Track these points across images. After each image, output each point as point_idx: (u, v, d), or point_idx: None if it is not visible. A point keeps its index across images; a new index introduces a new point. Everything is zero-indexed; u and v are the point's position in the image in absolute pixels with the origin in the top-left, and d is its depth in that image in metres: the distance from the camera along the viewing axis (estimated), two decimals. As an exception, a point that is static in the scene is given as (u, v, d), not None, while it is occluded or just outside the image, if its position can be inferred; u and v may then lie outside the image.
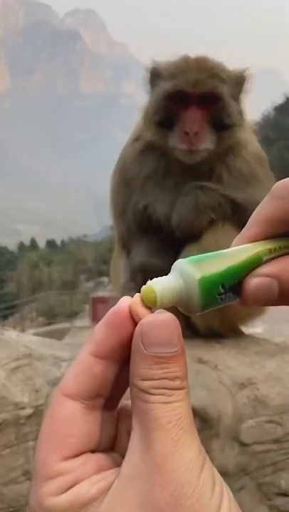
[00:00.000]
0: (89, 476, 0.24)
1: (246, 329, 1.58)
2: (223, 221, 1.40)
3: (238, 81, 1.40)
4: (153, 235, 1.49)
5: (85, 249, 34.98)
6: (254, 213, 0.28)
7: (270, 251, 0.27)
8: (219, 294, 0.26)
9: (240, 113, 1.41)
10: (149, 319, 0.25)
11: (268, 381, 1.29)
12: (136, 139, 1.51)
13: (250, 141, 1.50)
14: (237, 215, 1.41)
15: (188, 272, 0.27)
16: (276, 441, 1.27)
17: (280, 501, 1.27)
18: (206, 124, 1.34)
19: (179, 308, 0.27)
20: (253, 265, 0.27)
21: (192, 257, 0.28)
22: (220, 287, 0.26)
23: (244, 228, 0.28)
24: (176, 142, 1.35)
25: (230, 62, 1.50)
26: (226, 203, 1.40)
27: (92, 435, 0.25)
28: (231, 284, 0.26)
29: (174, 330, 0.25)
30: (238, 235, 0.28)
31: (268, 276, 0.26)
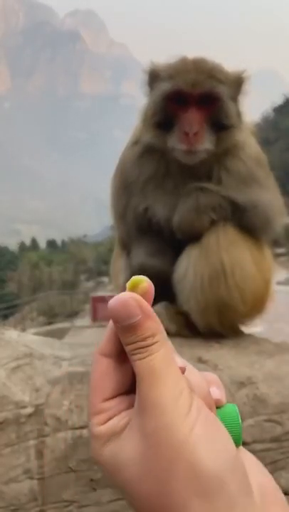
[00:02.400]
0: (120, 413, 0.33)
1: (246, 329, 1.58)
2: (224, 222, 1.41)
3: (237, 82, 1.41)
4: (153, 236, 1.50)
5: (85, 250, 34.98)
6: None
7: None
8: None
9: (239, 114, 1.42)
10: (111, 302, 0.32)
11: (267, 380, 1.29)
12: (135, 142, 1.52)
13: (249, 143, 1.50)
14: (236, 216, 1.41)
15: None
16: (275, 440, 1.27)
17: (279, 500, 1.27)
18: (205, 124, 1.35)
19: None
20: None
21: None
22: None
23: None
24: (175, 143, 1.36)
25: (230, 62, 1.50)
26: (227, 204, 1.41)
27: (123, 382, 0.33)
28: None
29: (131, 304, 0.31)
30: None
31: None
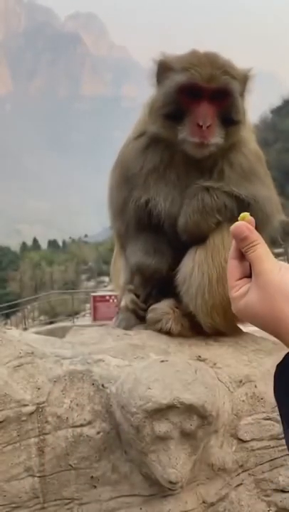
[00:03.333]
0: (245, 284, 0.65)
1: (245, 327, 1.59)
2: (229, 221, 1.40)
3: (244, 79, 1.41)
4: (151, 233, 1.48)
5: (86, 250, 34.98)
6: None
7: None
8: None
9: (244, 111, 1.42)
10: (232, 227, 0.66)
11: (265, 379, 1.30)
12: (139, 134, 1.49)
13: (250, 139, 1.50)
14: (240, 211, 1.40)
15: None
16: (274, 438, 1.28)
17: (278, 497, 1.28)
18: (216, 119, 1.35)
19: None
20: None
21: None
22: None
23: None
24: (186, 135, 1.34)
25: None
26: (232, 203, 1.40)
27: (244, 271, 0.66)
28: None
29: (242, 227, 0.65)
30: None
31: None
